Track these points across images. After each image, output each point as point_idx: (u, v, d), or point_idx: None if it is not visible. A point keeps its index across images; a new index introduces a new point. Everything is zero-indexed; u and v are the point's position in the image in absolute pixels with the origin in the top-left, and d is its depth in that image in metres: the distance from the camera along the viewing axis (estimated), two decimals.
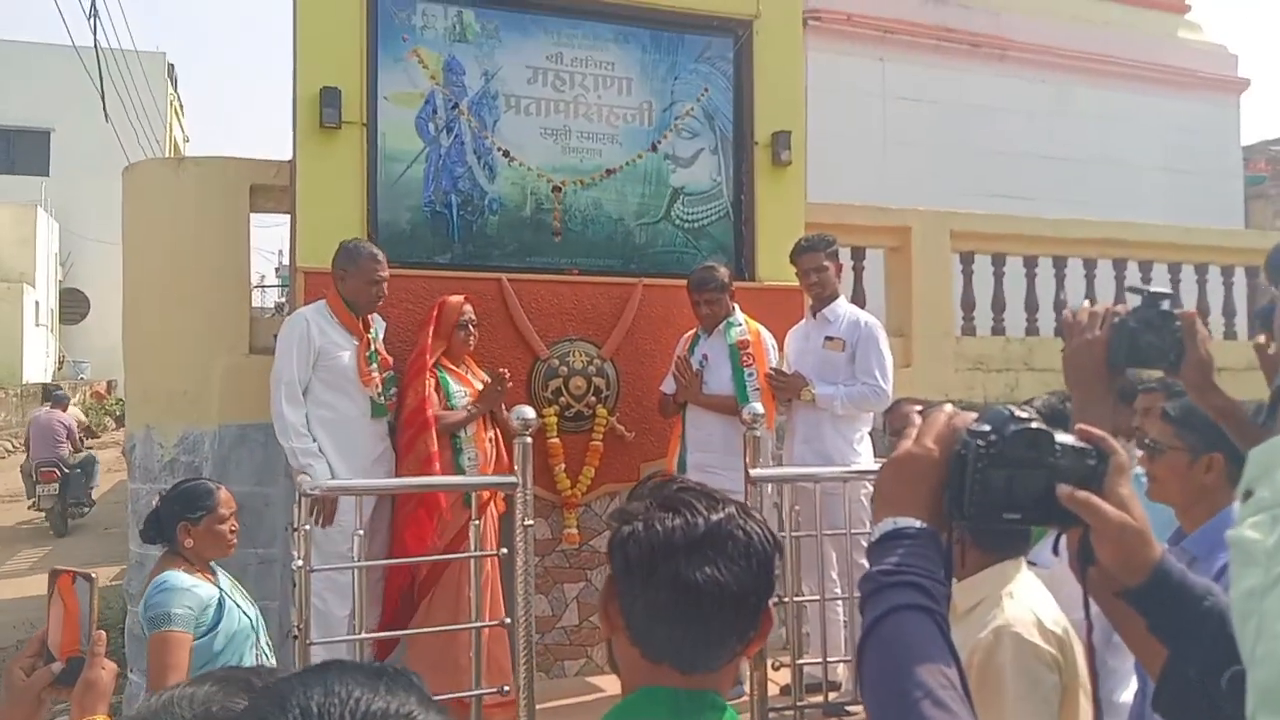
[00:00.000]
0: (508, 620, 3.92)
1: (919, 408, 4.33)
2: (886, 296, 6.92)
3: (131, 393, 5.10)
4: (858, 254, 6.75)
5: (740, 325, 5.02)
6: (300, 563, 3.59)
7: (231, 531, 3.42)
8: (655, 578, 1.24)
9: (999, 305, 7.25)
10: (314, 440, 4.28)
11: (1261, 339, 1.87)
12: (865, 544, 1.26)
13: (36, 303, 23.05)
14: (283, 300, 10.91)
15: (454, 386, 4.62)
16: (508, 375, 4.61)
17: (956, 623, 2.33)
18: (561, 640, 5.07)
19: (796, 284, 5.65)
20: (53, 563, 3.26)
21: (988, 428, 1.11)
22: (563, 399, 5.12)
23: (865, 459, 4.82)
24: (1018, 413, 1.13)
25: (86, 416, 15.97)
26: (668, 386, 5.08)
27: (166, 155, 25.02)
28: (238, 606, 3.29)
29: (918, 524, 1.08)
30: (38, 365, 22.64)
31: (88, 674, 1.51)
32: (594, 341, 5.24)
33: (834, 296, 5.10)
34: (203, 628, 3.11)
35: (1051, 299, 7.32)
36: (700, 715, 1.27)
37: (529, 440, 3.98)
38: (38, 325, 23.11)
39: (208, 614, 3.15)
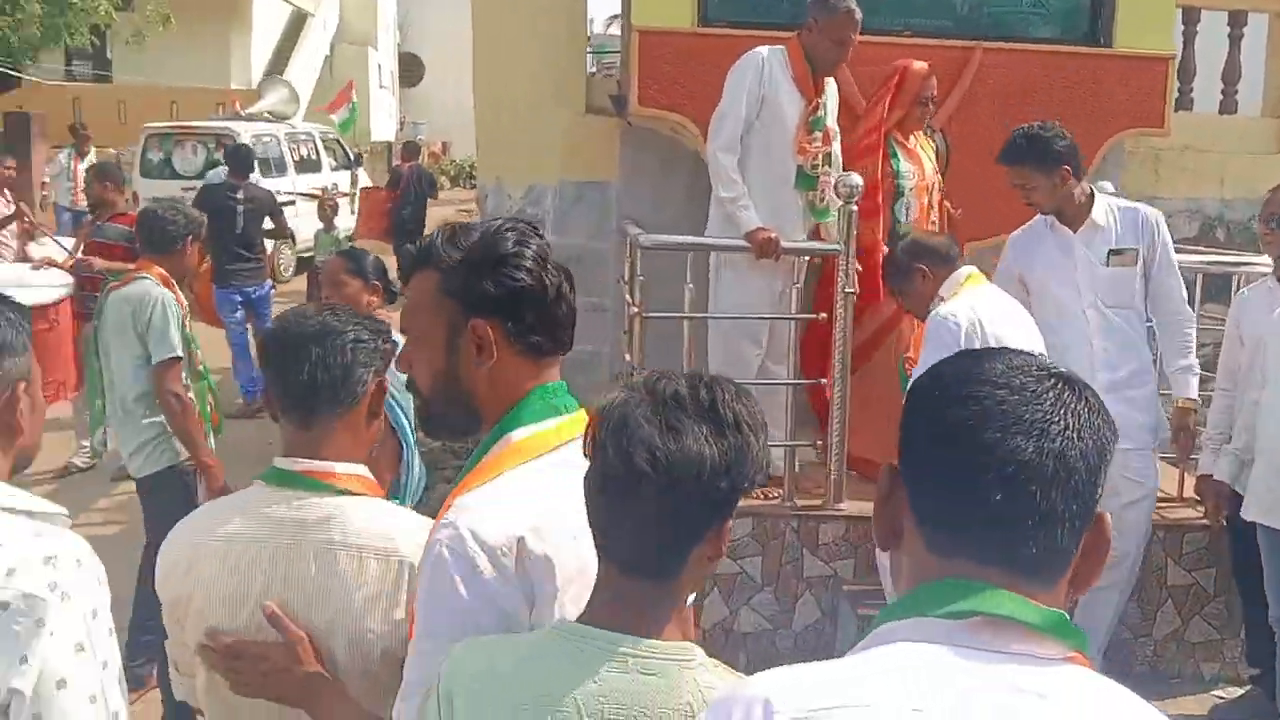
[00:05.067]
0: (823, 381, 4.06)
1: None
2: (1266, 73, 6.06)
3: (483, 145, 5.51)
4: (1236, 20, 5.90)
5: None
6: (635, 309, 3.89)
7: None
8: None
9: None
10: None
11: None
12: None
13: (379, 65, 24.90)
14: (610, 63, 11.16)
15: (903, 165, 4.27)
16: None
17: None
18: None
19: (1162, 53, 5.08)
20: None
21: None
22: None
23: None
24: None
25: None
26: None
27: None
28: None
29: None
30: (383, 125, 24.72)
31: None
32: None
33: (1081, 202, 3.68)
34: None
35: None
36: None
37: (854, 209, 3.98)
38: (381, 87, 25.06)
39: None
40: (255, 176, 9.58)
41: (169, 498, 3.68)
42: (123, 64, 19.29)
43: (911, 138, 4.37)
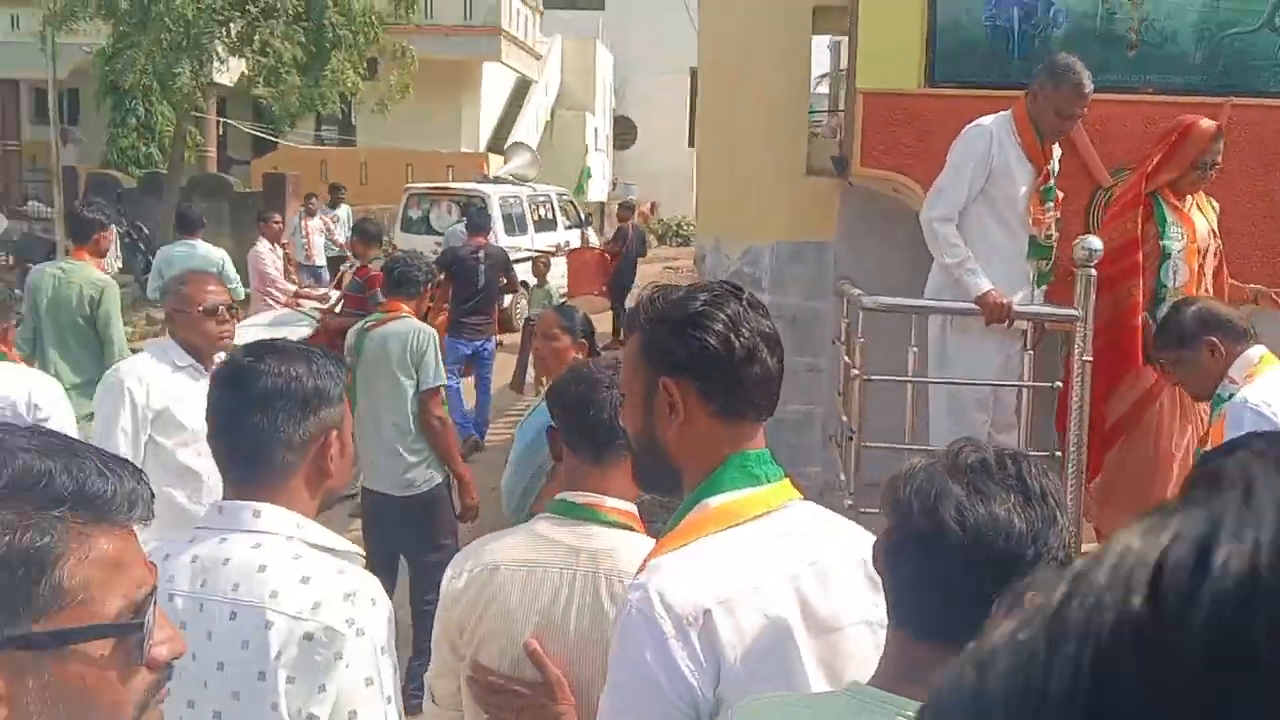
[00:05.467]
0: (1058, 454, 3.88)
1: None
2: None
3: (703, 206, 5.65)
4: None
5: None
6: (857, 371, 3.85)
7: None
8: None
9: None
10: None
11: None
12: None
13: (595, 129, 25.93)
14: (816, 122, 11.31)
15: (1171, 227, 3.98)
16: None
17: None
18: None
19: None
20: None
21: None
22: None
23: None
24: None
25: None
26: None
27: None
28: None
29: None
30: (596, 186, 25.65)
31: None
32: None
33: None
34: None
35: None
36: None
37: (1092, 273, 3.81)
38: (596, 150, 26.06)
39: None
40: (499, 234, 10.70)
41: (439, 512, 4.21)
42: (365, 128, 20.95)
43: (1187, 198, 4.09)
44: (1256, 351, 3.01)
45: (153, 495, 0.96)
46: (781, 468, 1.44)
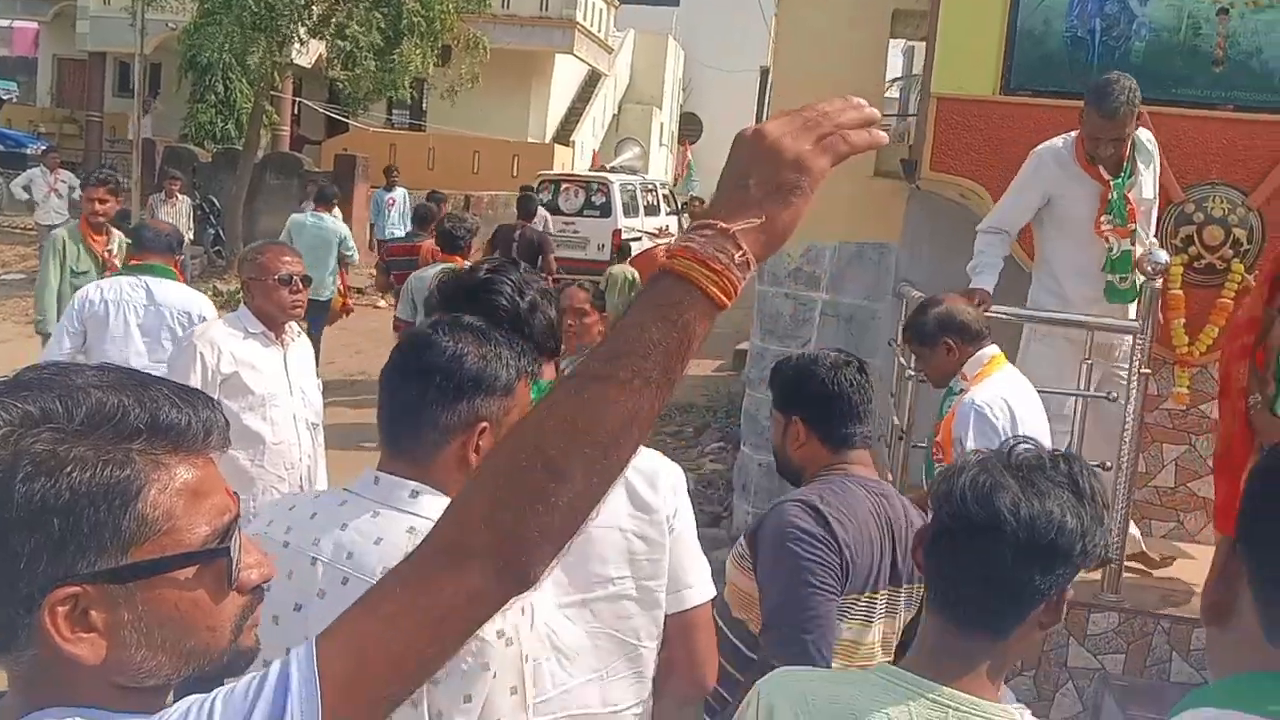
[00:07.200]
0: (1108, 464, 3.86)
1: None
2: None
3: None
4: None
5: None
6: (911, 372, 3.87)
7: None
8: None
9: None
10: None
11: None
12: None
13: (661, 124, 26.04)
14: (888, 127, 11.30)
15: None
16: None
17: None
18: (1151, 499, 4.86)
19: None
20: None
21: None
22: (1193, 248, 4.71)
23: None
24: None
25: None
26: None
27: None
28: None
29: None
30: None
31: None
32: (1240, 188, 4.69)
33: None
34: None
35: None
36: None
37: (1158, 284, 3.79)
38: (660, 145, 26.17)
39: None
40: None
41: None
42: (435, 114, 21.22)
43: None
44: (988, 351, 3.23)
45: (227, 423, 0.94)
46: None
